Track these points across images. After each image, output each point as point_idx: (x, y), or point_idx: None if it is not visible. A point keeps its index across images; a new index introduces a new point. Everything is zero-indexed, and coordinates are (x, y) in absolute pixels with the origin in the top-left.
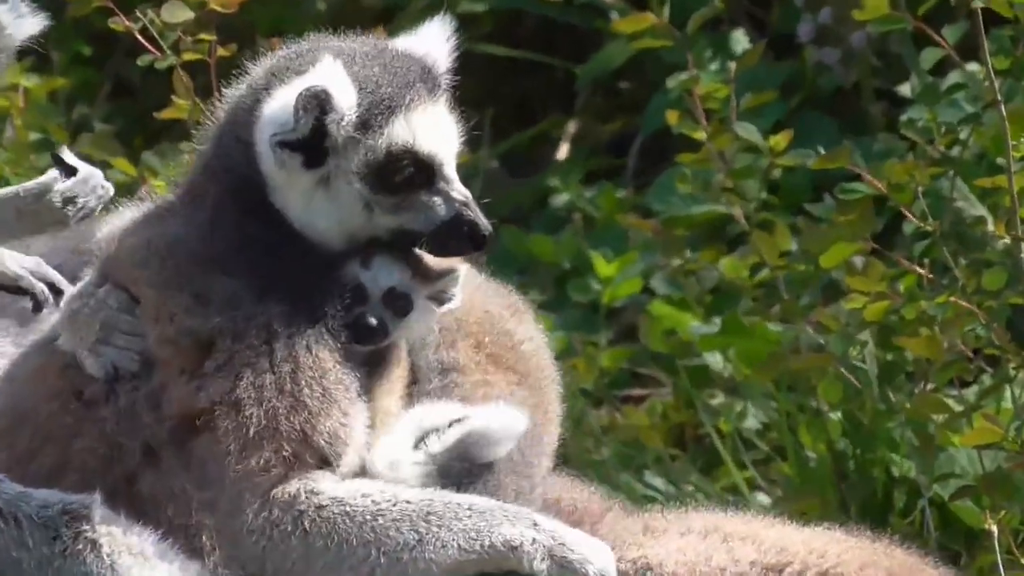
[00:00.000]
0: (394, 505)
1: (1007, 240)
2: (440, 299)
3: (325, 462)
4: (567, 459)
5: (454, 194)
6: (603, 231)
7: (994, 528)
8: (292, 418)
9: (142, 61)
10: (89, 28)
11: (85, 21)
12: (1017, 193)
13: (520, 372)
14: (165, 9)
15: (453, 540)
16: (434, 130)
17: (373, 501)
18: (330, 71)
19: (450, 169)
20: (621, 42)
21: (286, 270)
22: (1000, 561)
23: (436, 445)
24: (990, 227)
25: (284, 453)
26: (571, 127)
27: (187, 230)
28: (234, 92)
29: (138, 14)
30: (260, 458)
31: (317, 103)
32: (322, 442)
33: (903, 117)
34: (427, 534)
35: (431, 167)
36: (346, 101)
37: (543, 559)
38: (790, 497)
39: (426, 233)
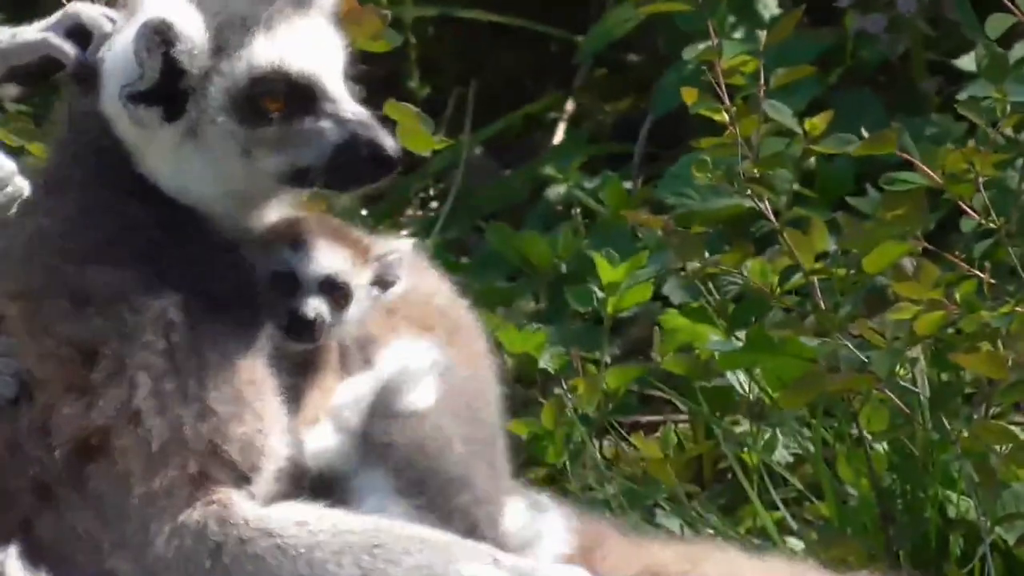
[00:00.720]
0: (334, 536)
1: None
2: (383, 283)
3: (241, 478)
4: (565, 496)
5: (345, 114)
6: (607, 229)
7: None
8: (199, 426)
9: None
10: None
11: None
12: None
13: (442, 328)
14: None
15: None
16: (306, 46)
17: (309, 531)
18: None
19: (336, 87)
20: (628, 7)
21: (178, 253)
22: None
23: (354, 416)
24: None
25: (191, 470)
26: (569, 107)
27: (51, 224)
28: None
29: None
30: (165, 477)
31: (160, 38)
32: (234, 452)
33: (961, 95)
34: (372, 570)
35: (309, 87)
36: (192, 26)
37: None
38: (827, 541)
39: (321, 166)
